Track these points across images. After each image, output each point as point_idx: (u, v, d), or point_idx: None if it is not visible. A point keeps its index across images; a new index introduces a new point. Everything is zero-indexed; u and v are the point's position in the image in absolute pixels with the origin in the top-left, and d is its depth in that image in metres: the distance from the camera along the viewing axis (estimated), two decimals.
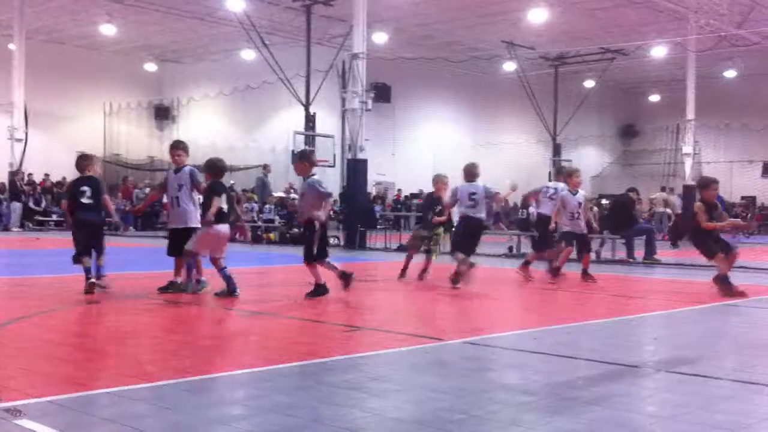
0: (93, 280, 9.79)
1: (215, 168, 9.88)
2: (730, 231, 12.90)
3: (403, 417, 4.57)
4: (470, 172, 11.96)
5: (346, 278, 10.05)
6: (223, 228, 9.61)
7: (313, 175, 10.09)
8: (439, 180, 12.73)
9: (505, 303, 10.94)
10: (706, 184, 11.14)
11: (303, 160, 10.22)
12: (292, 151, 24.08)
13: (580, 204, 12.95)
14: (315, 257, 9.88)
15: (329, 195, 10.06)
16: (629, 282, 13.50)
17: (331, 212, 33.29)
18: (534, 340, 7.27)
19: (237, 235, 24.92)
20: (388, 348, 6.70)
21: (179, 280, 10.14)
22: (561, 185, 13.79)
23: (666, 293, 12.17)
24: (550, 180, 17.52)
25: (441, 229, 12.85)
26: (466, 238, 11.76)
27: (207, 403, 4.82)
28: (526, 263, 13.36)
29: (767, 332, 8.58)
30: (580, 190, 13.24)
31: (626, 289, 12.16)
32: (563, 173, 14.39)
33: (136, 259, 16.91)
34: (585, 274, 12.88)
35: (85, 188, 10.02)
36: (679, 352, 7.03)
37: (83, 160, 10.40)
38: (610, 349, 6.85)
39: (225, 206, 9.55)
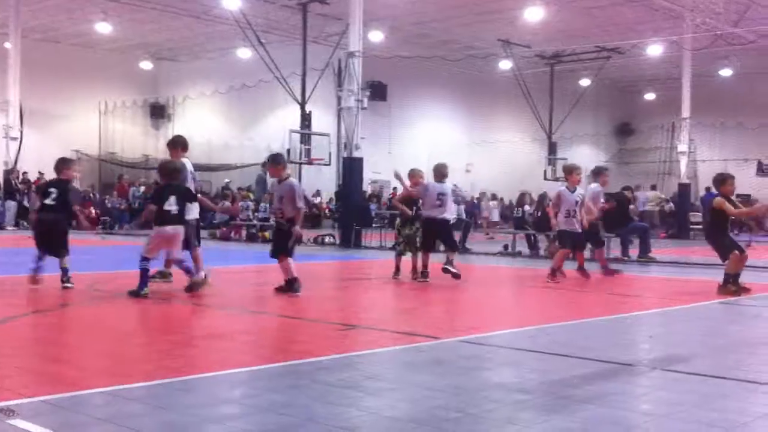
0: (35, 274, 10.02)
1: (164, 171, 10.03)
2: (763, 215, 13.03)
3: (399, 415, 4.56)
4: (440, 173, 12.12)
5: (290, 284, 9.96)
6: (169, 229, 9.58)
7: (288, 177, 10.25)
8: (415, 174, 12.50)
9: (500, 301, 10.93)
10: (724, 179, 11.06)
11: (278, 164, 10.33)
12: (288, 150, 24.06)
13: (577, 202, 12.86)
14: (289, 253, 9.91)
15: (308, 207, 10.13)
16: (624, 280, 13.50)
17: (326, 211, 33.29)
18: (529, 339, 7.27)
19: (233, 234, 24.87)
20: (383, 347, 6.69)
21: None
22: (593, 186, 14.18)
23: (661, 291, 12.18)
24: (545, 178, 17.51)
25: (413, 227, 12.52)
26: (428, 237, 12.07)
27: (201, 402, 4.80)
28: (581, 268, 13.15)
29: (763, 330, 8.59)
30: (578, 188, 13.06)
31: (621, 288, 12.15)
32: (594, 172, 14.57)
33: (130, 258, 16.86)
34: (580, 269, 13.03)
35: (53, 190, 10.24)
36: (675, 350, 7.03)
37: (60, 164, 10.70)
38: (606, 348, 6.85)
39: (174, 207, 9.54)
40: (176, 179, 9.96)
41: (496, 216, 33.25)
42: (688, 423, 4.48)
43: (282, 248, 9.93)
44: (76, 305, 9.05)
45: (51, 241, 10.17)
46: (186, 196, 9.86)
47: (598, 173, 14.49)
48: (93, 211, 30.46)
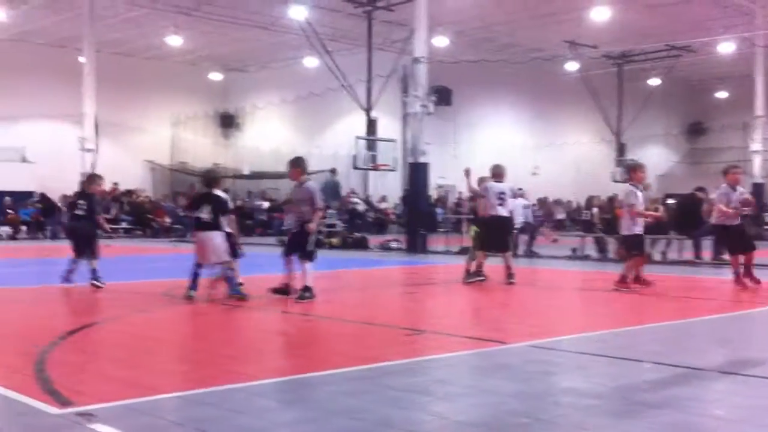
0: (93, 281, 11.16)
1: (205, 179, 10.64)
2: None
3: (469, 420, 4.58)
4: (498, 173, 12.61)
5: (281, 291, 10.18)
6: (201, 235, 9.98)
7: (307, 180, 10.42)
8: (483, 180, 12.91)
9: (568, 305, 10.83)
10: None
11: (296, 167, 10.46)
12: (354, 157, 24.24)
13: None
14: (310, 257, 10.09)
15: (324, 209, 10.26)
16: (697, 283, 13.23)
17: (392, 216, 33.37)
18: (599, 343, 7.20)
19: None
20: (451, 351, 6.71)
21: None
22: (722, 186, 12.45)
23: (734, 294, 11.87)
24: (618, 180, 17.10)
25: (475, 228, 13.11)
26: (497, 234, 12.44)
27: (273, 406, 4.90)
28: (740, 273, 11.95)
29: None
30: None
31: (693, 291, 11.91)
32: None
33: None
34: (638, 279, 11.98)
35: (82, 202, 11.58)
36: (747, 354, 6.89)
37: (87, 181, 12.11)
38: (676, 352, 6.74)
39: (206, 215, 9.91)
40: (215, 188, 10.29)
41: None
42: (763, 428, 4.40)
43: (302, 252, 10.09)
44: (150, 311, 9.28)
45: (81, 246, 11.42)
46: (220, 206, 10.08)
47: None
48: (166, 220, 31.19)
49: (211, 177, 10.57)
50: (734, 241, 11.95)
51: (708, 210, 14.19)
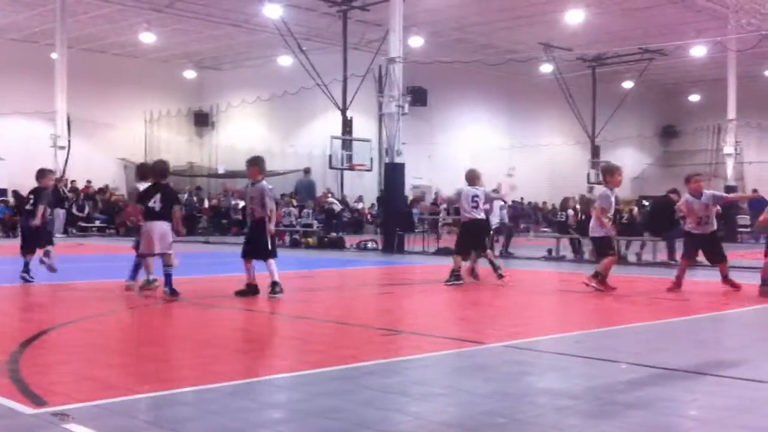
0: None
1: (154, 171, 10.83)
2: None
3: (446, 421, 4.57)
4: (471, 177, 12.77)
5: (245, 291, 10.29)
6: (150, 224, 10.25)
7: (262, 179, 10.49)
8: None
9: (544, 306, 10.88)
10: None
11: (253, 165, 10.56)
12: (329, 156, 24.19)
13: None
14: (273, 254, 10.25)
15: (273, 209, 10.38)
16: (669, 284, 13.29)
17: (368, 216, 33.37)
18: (575, 344, 7.23)
19: (276, 240, 25.10)
20: (428, 352, 6.70)
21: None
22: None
23: (708, 295, 11.99)
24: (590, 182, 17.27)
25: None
26: (473, 238, 12.63)
27: (250, 406, 4.86)
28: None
29: None
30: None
31: (669, 292, 11.97)
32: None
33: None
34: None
35: (32, 197, 11.76)
36: (724, 355, 6.95)
37: (38, 174, 12.03)
38: (652, 353, 6.78)
39: (158, 205, 10.21)
40: (164, 179, 10.60)
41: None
42: (737, 429, 4.43)
43: (263, 252, 10.20)
44: (123, 310, 9.21)
45: (31, 239, 11.64)
46: (170, 197, 10.44)
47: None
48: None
49: (161, 169, 10.73)
50: (704, 249, 11.90)
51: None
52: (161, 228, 10.22)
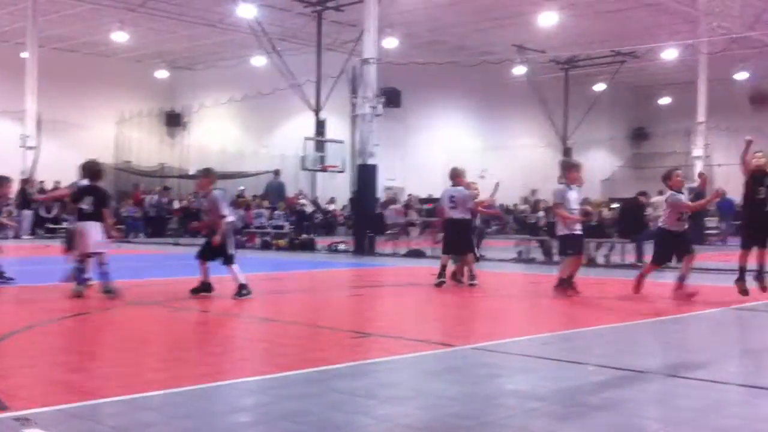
0: None
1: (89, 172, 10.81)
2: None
3: (413, 423, 4.57)
4: (453, 175, 12.81)
5: (199, 289, 10.45)
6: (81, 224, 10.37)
7: (215, 189, 10.67)
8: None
9: (513, 308, 10.91)
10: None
11: (206, 177, 10.77)
12: (302, 158, 24.15)
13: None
14: (232, 260, 10.32)
15: (223, 217, 10.41)
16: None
17: (341, 218, 33.30)
18: (543, 346, 7.26)
19: (247, 242, 24.86)
20: (396, 354, 6.69)
21: None
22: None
23: (676, 297, 12.07)
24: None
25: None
26: (453, 238, 12.57)
27: (217, 410, 4.83)
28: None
29: None
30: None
31: (636, 294, 12.05)
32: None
33: (145, 267, 17.02)
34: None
35: None
36: (689, 356, 7.00)
37: None
38: (620, 355, 6.83)
39: (89, 207, 10.29)
40: (98, 180, 10.66)
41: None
42: (703, 430, 4.47)
43: (224, 258, 10.29)
44: (91, 314, 9.11)
45: None
46: (102, 199, 10.49)
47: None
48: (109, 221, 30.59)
49: (94, 170, 10.77)
50: (677, 247, 11.39)
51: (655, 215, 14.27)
52: (93, 228, 10.28)
